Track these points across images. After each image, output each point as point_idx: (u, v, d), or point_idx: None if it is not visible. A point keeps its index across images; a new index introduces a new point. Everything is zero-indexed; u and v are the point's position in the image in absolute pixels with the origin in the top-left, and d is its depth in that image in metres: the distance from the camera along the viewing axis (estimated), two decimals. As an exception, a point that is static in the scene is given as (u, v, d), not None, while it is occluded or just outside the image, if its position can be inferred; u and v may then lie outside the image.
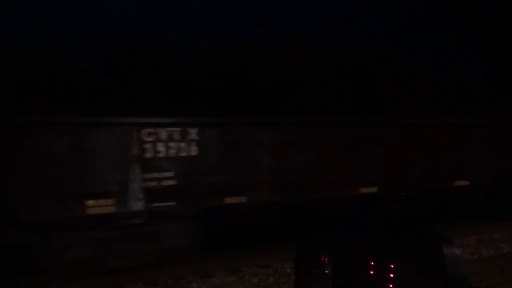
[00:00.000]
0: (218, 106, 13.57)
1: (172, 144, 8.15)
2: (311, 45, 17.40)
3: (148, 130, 8.01)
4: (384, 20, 24.96)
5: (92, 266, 7.34)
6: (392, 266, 1.49)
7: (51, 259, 7.13)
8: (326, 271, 1.59)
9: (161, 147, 8.07)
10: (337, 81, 16.41)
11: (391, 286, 1.48)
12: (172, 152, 8.13)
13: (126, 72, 14.85)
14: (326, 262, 1.60)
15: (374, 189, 9.73)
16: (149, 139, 8.02)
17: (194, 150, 8.29)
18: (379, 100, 16.45)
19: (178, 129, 8.18)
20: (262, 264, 8.28)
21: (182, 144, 8.23)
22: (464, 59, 20.37)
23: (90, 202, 7.44)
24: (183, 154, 8.18)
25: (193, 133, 8.25)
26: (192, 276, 7.76)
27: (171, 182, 8.04)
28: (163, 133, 8.09)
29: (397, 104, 16.26)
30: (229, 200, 8.42)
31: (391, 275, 1.48)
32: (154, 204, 7.89)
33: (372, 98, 16.45)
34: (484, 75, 19.35)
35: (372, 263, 1.52)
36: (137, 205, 7.78)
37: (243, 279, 7.77)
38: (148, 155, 7.94)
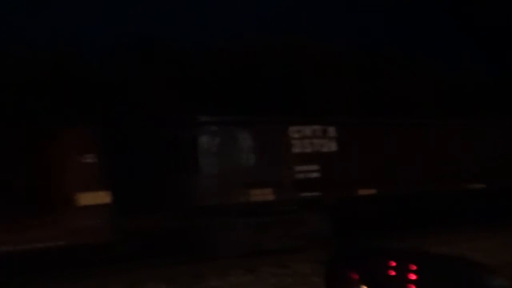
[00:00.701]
0: (228, 103, 12.52)
1: (315, 141, 8.81)
2: (320, 44, 16.20)
3: (296, 128, 8.69)
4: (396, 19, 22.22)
5: (251, 248, 7.99)
6: None
7: (215, 241, 7.85)
8: None
9: (306, 143, 8.73)
10: (345, 80, 15.41)
11: None
12: (316, 148, 8.79)
13: (138, 69, 13.79)
14: (356, 280, 1.52)
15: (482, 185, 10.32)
16: (296, 136, 8.70)
17: (333, 146, 8.94)
18: (387, 99, 15.37)
19: (319, 127, 8.88)
20: (281, 264, 7.70)
21: (324, 141, 8.88)
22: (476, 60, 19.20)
23: (254, 191, 8.12)
24: (325, 150, 8.85)
25: (331, 131, 8.95)
26: (210, 274, 7.16)
27: (316, 175, 8.69)
28: (308, 130, 8.78)
29: (404, 104, 15.23)
30: (362, 192, 9.09)
31: None
32: (302, 194, 8.60)
33: (379, 97, 15.51)
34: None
35: (412, 285, 1.41)
36: (289, 194, 8.47)
37: (261, 279, 7.23)
38: (296, 150, 8.62)
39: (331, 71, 15.23)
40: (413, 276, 1.38)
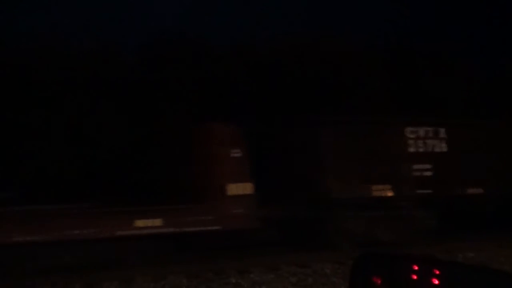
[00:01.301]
0: (258, 103, 12.58)
1: (428, 141, 9.31)
2: (352, 41, 15.73)
3: (411, 128, 9.20)
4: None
5: (364, 239, 8.31)
6: None
7: (334, 231, 8.44)
8: None
9: (420, 143, 9.27)
10: (379, 76, 15.01)
11: None
12: (428, 148, 9.31)
13: (171, 67, 13.61)
14: (379, 284, 1.54)
15: None
16: (412, 136, 9.24)
17: (444, 147, 9.41)
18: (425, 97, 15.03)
19: (431, 128, 9.35)
20: (301, 263, 7.83)
21: (435, 141, 9.36)
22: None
23: (376, 186, 8.75)
24: (436, 150, 9.35)
25: (442, 132, 9.45)
26: (231, 271, 7.36)
27: (428, 174, 9.25)
28: (421, 131, 9.28)
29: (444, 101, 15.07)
30: (470, 191, 9.49)
31: None
32: (417, 191, 9.14)
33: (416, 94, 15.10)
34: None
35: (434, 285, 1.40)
36: (405, 191, 9.05)
37: (282, 277, 7.34)
38: (411, 149, 9.20)
39: (365, 69, 14.65)
40: (435, 281, 1.39)
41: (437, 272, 1.39)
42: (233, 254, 8.02)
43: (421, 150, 9.18)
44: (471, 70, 17.05)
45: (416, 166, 9.10)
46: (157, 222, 7.44)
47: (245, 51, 15.02)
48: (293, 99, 13.12)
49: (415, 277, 1.45)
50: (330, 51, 14.69)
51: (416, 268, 1.44)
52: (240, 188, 7.80)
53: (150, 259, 7.55)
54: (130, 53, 15.51)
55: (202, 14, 24.31)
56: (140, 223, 7.36)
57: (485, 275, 1.41)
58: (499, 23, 27.18)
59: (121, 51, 15.13)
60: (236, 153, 7.86)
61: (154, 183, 8.22)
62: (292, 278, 7.25)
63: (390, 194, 8.79)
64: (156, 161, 8.61)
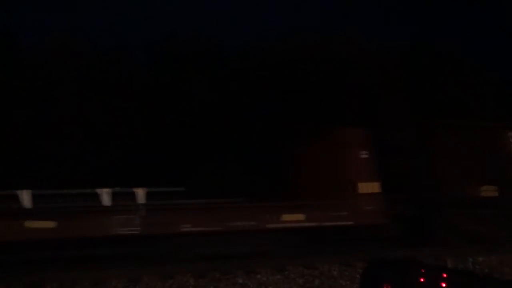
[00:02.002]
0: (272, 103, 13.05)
1: None
2: (365, 40, 15.60)
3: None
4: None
5: (469, 236, 9.07)
6: None
7: (444, 228, 9.10)
8: None
9: None
10: (391, 77, 14.78)
11: None
12: None
13: (182, 67, 13.80)
14: None
15: None
16: None
17: None
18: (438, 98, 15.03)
19: None
20: (309, 265, 7.73)
21: None
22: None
23: (484, 187, 9.48)
24: None
25: None
26: (238, 271, 7.32)
27: None
28: None
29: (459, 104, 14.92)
30: None
31: None
32: None
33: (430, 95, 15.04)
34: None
35: None
36: (509, 192, 9.44)
37: (289, 278, 7.32)
38: None
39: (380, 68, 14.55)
40: (444, 280, 1.43)
41: (444, 280, 1.42)
42: (240, 254, 8.04)
43: None
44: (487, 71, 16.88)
45: None
46: (301, 217, 8.28)
47: (257, 50, 15.14)
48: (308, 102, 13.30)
49: (423, 284, 1.48)
50: (343, 51, 14.71)
51: (424, 275, 1.48)
52: (369, 187, 8.51)
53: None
54: (141, 53, 15.74)
55: (213, 13, 24.16)
56: (286, 217, 8.23)
57: (489, 284, 1.45)
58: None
59: (132, 51, 15.40)
60: (365, 155, 8.63)
61: (298, 181, 9.07)
62: (299, 280, 7.25)
63: (495, 194, 9.51)
64: (297, 162, 9.52)
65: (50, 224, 7.10)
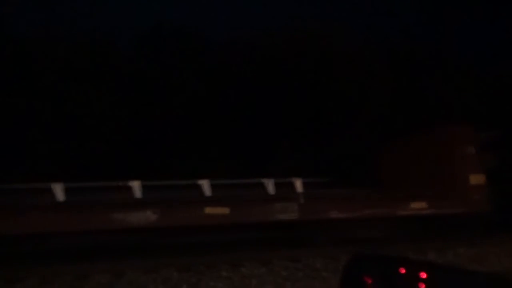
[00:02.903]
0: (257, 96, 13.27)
1: None
2: (351, 36, 15.58)
3: None
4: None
5: None
6: None
7: None
8: None
9: None
10: (378, 75, 14.98)
11: None
12: None
13: (169, 60, 13.90)
14: (369, 284, 1.61)
15: None
16: None
17: None
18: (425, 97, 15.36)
19: None
20: (293, 258, 7.86)
21: None
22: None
23: None
24: None
25: None
26: (223, 264, 7.35)
27: None
28: None
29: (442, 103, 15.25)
30: None
31: None
32: None
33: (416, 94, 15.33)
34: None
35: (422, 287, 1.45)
36: None
37: (273, 271, 7.37)
38: None
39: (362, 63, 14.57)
40: (423, 280, 1.45)
41: (424, 273, 1.45)
42: (225, 247, 8.19)
43: None
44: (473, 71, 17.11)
45: None
46: (424, 205, 9.35)
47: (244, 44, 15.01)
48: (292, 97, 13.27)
49: (404, 277, 1.51)
50: (329, 49, 14.71)
51: (404, 269, 1.52)
52: (477, 179, 9.59)
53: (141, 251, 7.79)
54: (128, 45, 15.57)
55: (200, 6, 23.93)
56: (414, 205, 9.32)
57: (468, 276, 1.47)
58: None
59: (119, 43, 15.23)
60: (473, 150, 9.77)
61: (420, 173, 10.20)
62: (283, 272, 7.30)
63: None
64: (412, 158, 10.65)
65: (225, 211, 8.25)
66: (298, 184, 9.92)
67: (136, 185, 8.82)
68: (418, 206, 9.36)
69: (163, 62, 14.07)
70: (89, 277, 6.62)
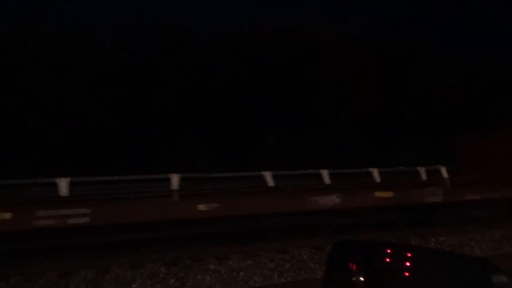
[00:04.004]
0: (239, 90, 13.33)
1: None
2: (334, 30, 15.77)
3: None
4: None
5: None
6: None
7: None
8: (354, 278, 1.61)
9: None
10: (360, 67, 14.95)
11: None
12: None
13: (151, 53, 13.91)
14: (354, 270, 1.62)
15: None
16: None
17: None
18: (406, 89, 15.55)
19: None
20: (279, 249, 7.91)
21: None
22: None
23: None
24: None
25: None
26: (210, 258, 7.34)
27: None
28: None
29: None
30: None
31: None
32: None
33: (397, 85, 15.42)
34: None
35: (407, 274, 1.48)
36: None
37: (260, 263, 7.40)
38: None
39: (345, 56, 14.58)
40: (407, 265, 1.47)
41: (409, 257, 1.47)
42: (212, 241, 8.16)
43: None
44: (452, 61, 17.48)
45: None
46: None
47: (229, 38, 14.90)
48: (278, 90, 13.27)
49: (388, 262, 1.54)
50: (313, 39, 14.72)
51: (389, 253, 1.54)
52: None
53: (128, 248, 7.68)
54: (108, 39, 15.26)
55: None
56: None
57: (451, 259, 1.49)
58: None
59: (99, 36, 14.92)
60: None
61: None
62: (270, 264, 7.34)
63: None
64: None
65: (390, 194, 9.91)
66: (444, 171, 11.73)
67: (267, 175, 10.42)
68: None
69: (145, 55, 13.88)
70: (73, 274, 6.49)
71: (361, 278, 1.58)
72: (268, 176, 10.26)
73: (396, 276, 1.49)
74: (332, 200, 9.33)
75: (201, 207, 8.35)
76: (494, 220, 9.86)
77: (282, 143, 13.90)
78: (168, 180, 9.24)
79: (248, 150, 13.67)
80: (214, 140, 13.57)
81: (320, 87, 14.55)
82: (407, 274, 1.46)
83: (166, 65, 13.79)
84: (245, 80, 13.74)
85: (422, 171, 11.67)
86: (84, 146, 13.07)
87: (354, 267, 1.59)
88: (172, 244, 7.95)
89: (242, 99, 13.58)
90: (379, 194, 9.84)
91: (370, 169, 11.29)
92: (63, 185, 8.45)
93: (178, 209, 8.66)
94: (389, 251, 1.54)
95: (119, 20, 16.09)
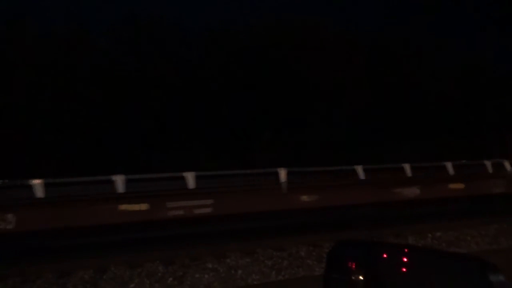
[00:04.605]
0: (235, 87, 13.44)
1: None
2: (330, 26, 15.78)
3: None
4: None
5: None
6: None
7: None
8: (353, 277, 1.64)
9: None
10: (355, 64, 15.28)
11: None
12: None
13: (145, 51, 13.98)
14: (353, 269, 1.65)
15: None
16: None
17: None
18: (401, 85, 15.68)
19: None
20: (277, 247, 7.94)
21: None
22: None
23: None
24: None
25: None
26: (208, 256, 7.35)
27: None
28: None
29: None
30: None
31: None
32: None
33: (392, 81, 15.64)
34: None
35: (406, 274, 1.50)
36: None
37: (258, 261, 7.43)
38: None
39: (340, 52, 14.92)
40: (404, 264, 1.51)
41: (406, 257, 1.52)
42: (209, 239, 8.17)
43: None
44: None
45: None
46: None
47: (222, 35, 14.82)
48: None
49: (387, 261, 1.58)
50: (308, 40, 14.70)
51: (388, 253, 1.59)
52: None
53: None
54: (102, 36, 15.14)
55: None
56: None
57: (450, 259, 1.53)
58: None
59: (93, 33, 14.83)
60: None
61: None
62: (268, 262, 7.37)
63: None
64: None
65: (461, 186, 11.42)
66: (507, 165, 13.17)
67: (359, 169, 11.98)
68: None
69: (139, 52, 13.80)
70: (71, 274, 6.47)
71: (361, 277, 1.61)
72: (359, 170, 11.88)
73: (395, 276, 1.52)
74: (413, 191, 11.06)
75: (305, 198, 10.17)
76: None
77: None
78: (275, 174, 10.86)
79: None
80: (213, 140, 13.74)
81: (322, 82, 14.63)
82: (406, 273, 1.50)
83: (162, 63, 13.68)
84: (242, 78, 13.73)
85: (489, 164, 13.24)
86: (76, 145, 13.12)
87: (354, 266, 1.63)
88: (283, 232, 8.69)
89: (239, 96, 13.55)
90: (452, 185, 11.50)
91: (445, 163, 12.94)
92: (190, 179, 10.06)
93: (287, 200, 10.24)
94: (388, 251, 1.58)
95: (112, 17, 15.98)
